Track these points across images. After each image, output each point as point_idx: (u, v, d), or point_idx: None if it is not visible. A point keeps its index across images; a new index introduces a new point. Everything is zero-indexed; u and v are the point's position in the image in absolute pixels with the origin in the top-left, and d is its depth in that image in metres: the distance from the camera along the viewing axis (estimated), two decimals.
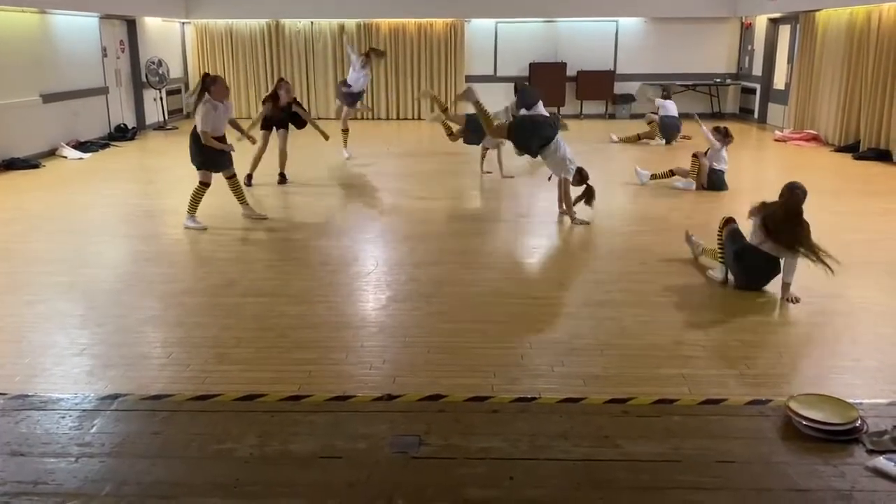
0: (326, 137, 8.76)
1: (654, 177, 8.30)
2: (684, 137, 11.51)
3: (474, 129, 8.45)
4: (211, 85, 6.42)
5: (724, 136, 8.01)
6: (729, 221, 5.11)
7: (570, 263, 5.73)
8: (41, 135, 10.52)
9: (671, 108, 11.52)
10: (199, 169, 6.59)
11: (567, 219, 6.69)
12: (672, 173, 8.23)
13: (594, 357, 3.91)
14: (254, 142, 7.54)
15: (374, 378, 3.67)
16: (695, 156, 8.18)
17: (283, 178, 8.62)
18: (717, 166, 8.00)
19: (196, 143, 6.47)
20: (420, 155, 11.07)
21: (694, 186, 8.10)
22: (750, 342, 4.13)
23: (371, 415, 3.23)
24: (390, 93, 15.25)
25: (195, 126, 6.45)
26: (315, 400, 3.39)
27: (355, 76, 10.09)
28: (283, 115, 8.46)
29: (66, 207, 7.50)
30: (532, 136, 6.68)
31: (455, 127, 8.84)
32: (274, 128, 8.48)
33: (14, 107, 9.96)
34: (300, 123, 8.71)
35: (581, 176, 6.68)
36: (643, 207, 7.47)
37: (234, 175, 6.82)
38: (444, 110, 8.92)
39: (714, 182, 7.98)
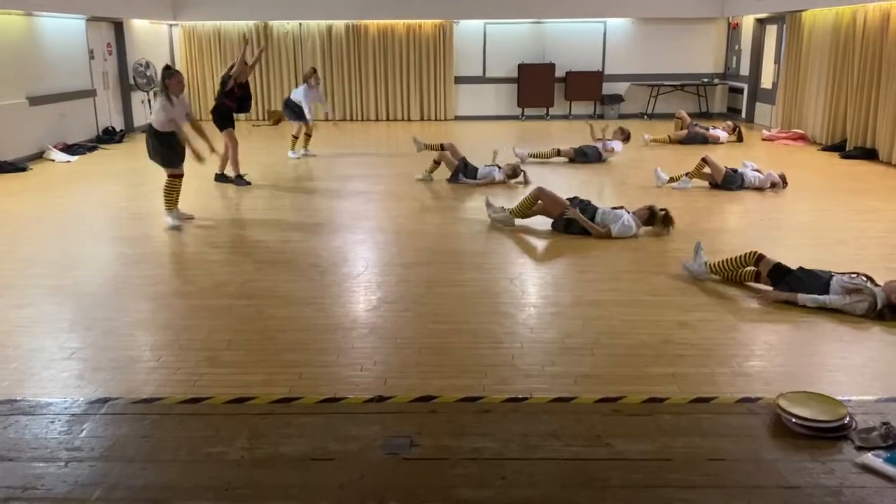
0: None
1: (672, 180, 8.33)
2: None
3: (462, 171, 8.69)
4: (168, 78, 6.43)
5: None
6: (760, 259, 4.86)
7: (561, 263, 5.74)
8: (28, 137, 10.45)
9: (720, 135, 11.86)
10: (164, 166, 6.66)
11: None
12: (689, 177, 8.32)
13: (585, 356, 3.92)
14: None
15: (365, 379, 3.66)
16: (703, 160, 8.28)
17: (227, 177, 8.74)
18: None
19: (152, 140, 6.54)
20: (409, 156, 11.07)
21: (689, 185, 8.21)
22: (739, 340, 4.16)
23: (362, 416, 3.23)
24: (379, 94, 15.24)
25: (151, 124, 6.56)
26: (306, 402, 3.38)
27: (315, 95, 10.63)
28: (237, 103, 8.68)
29: (54, 210, 7.45)
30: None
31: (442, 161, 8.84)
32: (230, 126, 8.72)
33: (0, 109, 9.89)
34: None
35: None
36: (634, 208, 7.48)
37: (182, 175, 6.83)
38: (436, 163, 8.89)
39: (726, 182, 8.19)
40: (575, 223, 6.35)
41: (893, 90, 9.74)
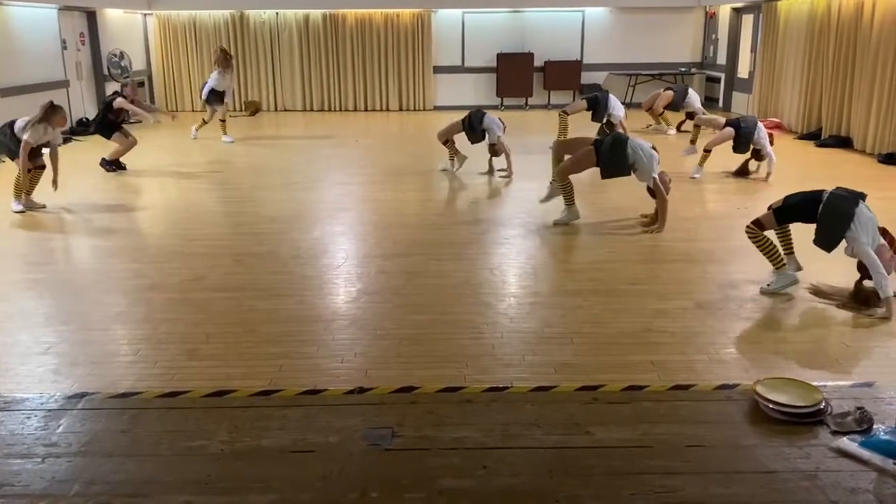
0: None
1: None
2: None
3: (472, 130, 8.46)
4: (52, 115, 6.96)
5: None
6: (760, 224, 4.72)
7: (540, 253, 5.76)
8: None
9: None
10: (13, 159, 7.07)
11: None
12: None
13: (564, 345, 3.94)
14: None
15: (345, 371, 3.66)
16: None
17: (118, 166, 8.97)
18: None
19: (10, 141, 6.98)
20: (388, 147, 11.04)
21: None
22: (717, 328, 4.20)
23: (343, 408, 3.22)
24: (358, 85, 15.15)
25: (9, 126, 7.01)
26: (286, 394, 3.37)
27: (226, 82, 11.19)
28: (120, 120, 9.03)
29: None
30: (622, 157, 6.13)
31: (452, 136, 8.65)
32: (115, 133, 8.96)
33: None
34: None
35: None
36: (614, 198, 7.52)
37: (44, 167, 7.22)
38: (446, 142, 8.71)
39: None
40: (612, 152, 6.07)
41: (867, 79, 9.85)
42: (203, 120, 11.28)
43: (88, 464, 2.80)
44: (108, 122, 8.91)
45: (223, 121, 11.16)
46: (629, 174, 6.22)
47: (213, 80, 11.06)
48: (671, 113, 11.80)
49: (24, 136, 6.85)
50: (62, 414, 3.17)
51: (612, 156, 6.13)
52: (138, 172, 8.83)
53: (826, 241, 4.48)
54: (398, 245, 5.85)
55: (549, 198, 6.60)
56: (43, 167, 7.13)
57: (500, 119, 8.59)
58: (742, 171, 8.41)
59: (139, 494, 2.62)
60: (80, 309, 4.54)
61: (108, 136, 8.93)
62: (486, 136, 8.49)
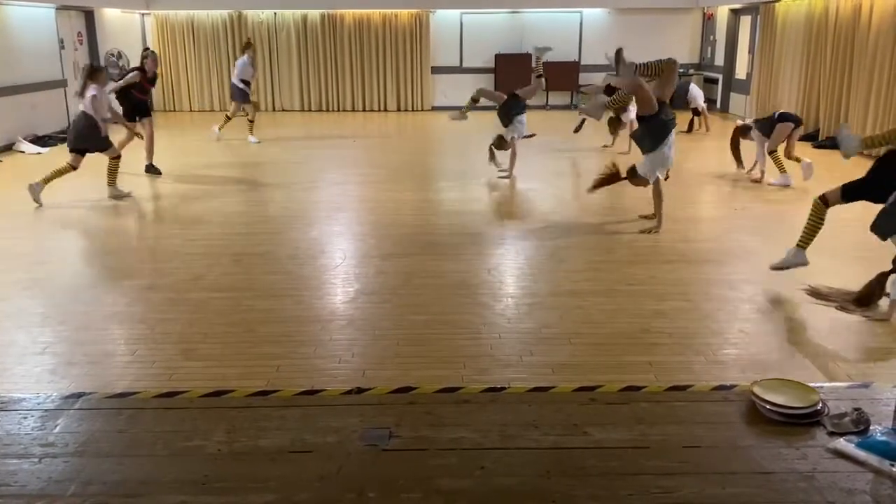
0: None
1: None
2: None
3: (504, 114, 8.29)
4: (97, 74, 7.18)
5: None
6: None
7: (538, 254, 5.76)
8: None
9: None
10: (71, 151, 7.20)
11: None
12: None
13: (562, 346, 3.94)
14: (140, 136, 8.41)
15: (343, 372, 3.65)
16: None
17: (153, 169, 8.72)
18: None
19: (83, 126, 7.08)
20: (386, 148, 11.04)
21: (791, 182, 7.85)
22: (714, 329, 4.20)
23: (341, 408, 3.21)
24: (356, 85, 15.15)
25: (82, 112, 7.08)
26: (284, 395, 3.36)
27: (251, 71, 11.06)
28: (146, 97, 8.88)
29: (25, 203, 7.33)
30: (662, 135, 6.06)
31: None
32: (137, 117, 8.74)
33: None
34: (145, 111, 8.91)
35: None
36: (611, 198, 7.53)
37: (119, 156, 7.42)
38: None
39: None
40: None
41: (864, 81, 9.87)
42: (249, 121, 11.06)
43: (85, 464, 2.79)
44: (136, 99, 8.66)
45: (229, 118, 11.08)
46: (645, 154, 6.18)
47: (240, 71, 10.85)
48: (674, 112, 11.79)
49: (95, 94, 6.99)
50: (59, 414, 3.16)
51: (658, 127, 6.09)
52: (136, 173, 8.81)
53: (888, 225, 4.38)
54: (396, 245, 5.85)
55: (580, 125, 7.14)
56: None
57: (527, 125, 8.40)
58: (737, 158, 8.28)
59: (136, 494, 2.62)
60: (78, 308, 4.53)
61: (134, 117, 8.62)
62: (509, 127, 8.32)
